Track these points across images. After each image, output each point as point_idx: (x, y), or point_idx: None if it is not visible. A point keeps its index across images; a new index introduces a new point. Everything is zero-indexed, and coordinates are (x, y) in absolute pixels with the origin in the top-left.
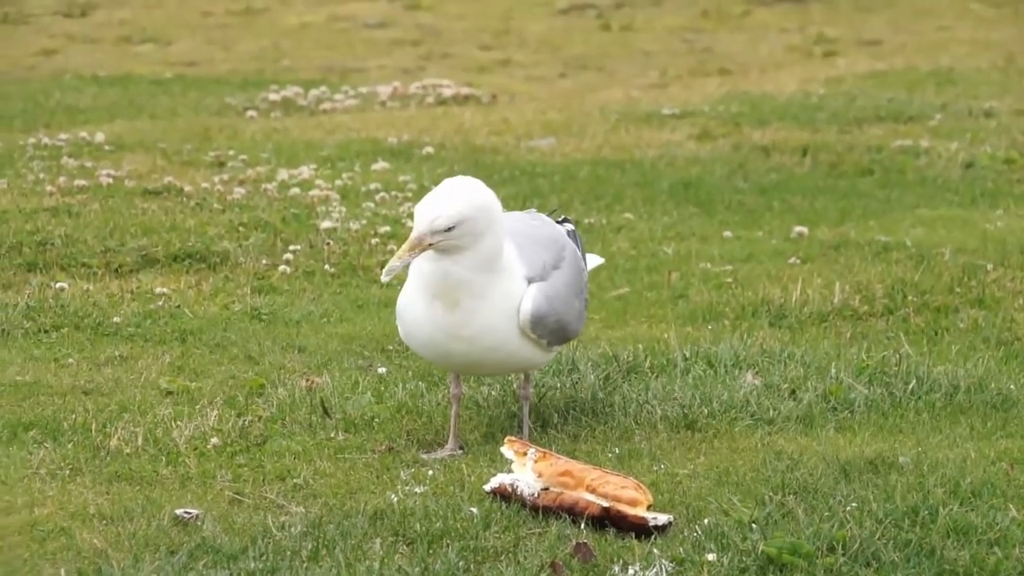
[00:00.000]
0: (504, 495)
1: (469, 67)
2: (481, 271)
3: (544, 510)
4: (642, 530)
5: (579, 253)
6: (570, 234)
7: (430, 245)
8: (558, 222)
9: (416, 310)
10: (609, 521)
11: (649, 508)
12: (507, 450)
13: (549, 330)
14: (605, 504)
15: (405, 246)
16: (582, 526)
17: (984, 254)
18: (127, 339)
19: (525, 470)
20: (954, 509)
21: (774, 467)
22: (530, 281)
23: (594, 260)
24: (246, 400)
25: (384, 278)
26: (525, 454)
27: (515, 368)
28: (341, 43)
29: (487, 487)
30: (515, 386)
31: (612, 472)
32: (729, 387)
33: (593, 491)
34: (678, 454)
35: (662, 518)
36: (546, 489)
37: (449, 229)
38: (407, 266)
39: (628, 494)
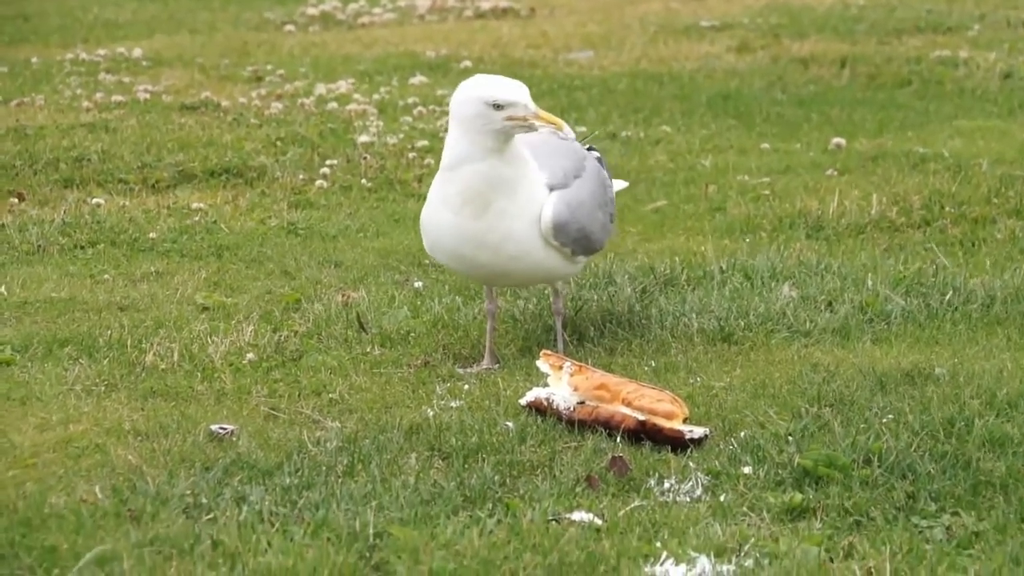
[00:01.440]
0: (539, 409)
1: None
2: (516, 165)
3: (580, 424)
4: (678, 443)
5: (604, 172)
6: (598, 160)
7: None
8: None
9: (442, 220)
10: (645, 434)
11: (685, 421)
12: (543, 364)
13: (572, 238)
14: (641, 417)
15: (547, 116)
16: (618, 440)
17: (1021, 165)
18: (163, 255)
19: (561, 384)
20: (990, 420)
21: (810, 379)
22: (552, 189)
23: (618, 184)
24: (282, 315)
25: (570, 134)
26: (561, 368)
27: (542, 278)
28: None
29: (522, 401)
30: (551, 300)
31: (648, 385)
32: (766, 299)
33: (629, 404)
34: (714, 367)
35: (698, 431)
36: (582, 403)
37: None
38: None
39: (664, 407)
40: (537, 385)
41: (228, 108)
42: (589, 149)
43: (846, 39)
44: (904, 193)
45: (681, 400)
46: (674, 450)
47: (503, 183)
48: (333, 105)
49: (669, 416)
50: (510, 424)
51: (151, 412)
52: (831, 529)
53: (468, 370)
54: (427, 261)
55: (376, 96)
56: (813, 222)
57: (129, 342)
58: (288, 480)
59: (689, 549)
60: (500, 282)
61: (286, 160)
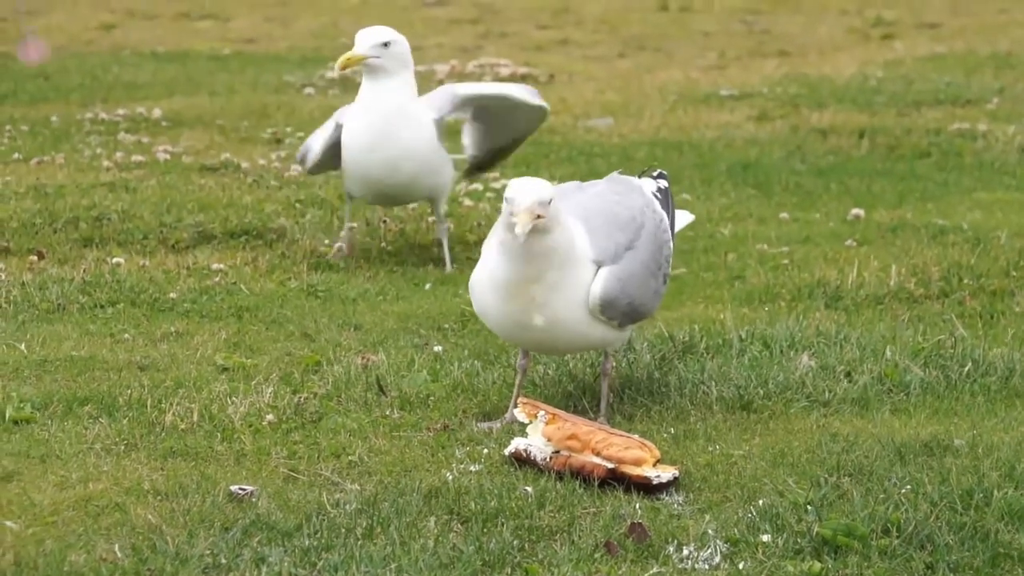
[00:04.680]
0: (520, 459)
1: (527, 46)
2: (565, 243)
3: (558, 473)
4: (649, 488)
5: (663, 224)
6: (662, 191)
7: (539, 217)
8: (653, 177)
9: (487, 299)
10: (616, 481)
11: (657, 463)
12: (519, 413)
13: (620, 312)
14: (610, 466)
15: (523, 217)
16: (636, 507)
17: None
18: (183, 315)
19: (536, 434)
20: (1009, 492)
21: (829, 449)
22: (599, 265)
23: (684, 217)
24: (302, 377)
25: (520, 233)
26: (536, 416)
27: (589, 347)
28: (400, 21)
29: (506, 451)
30: (601, 361)
31: (617, 432)
32: (785, 368)
33: (598, 454)
34: (733, 435)
35: (666, 475)
36: (557, 452)
37: (550, 202)
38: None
39: (632, 454)
40: (518, 435)
41: (248, 169)
42: (658, 176)
43: (865, 110)
44: (923, 264)
45: (651, 444)
46: (648, 494)
47: (553, 254)
48: None
49: (638, 462)
50: (529, 489)
51: (171, 472)
52: None
53: (488, 425)
54: (447, 325)
55: None
56: (832, 292)
57: (149, 402)
58: (307, 542)
59: None
60: (546, 352)
61: (305, 222)
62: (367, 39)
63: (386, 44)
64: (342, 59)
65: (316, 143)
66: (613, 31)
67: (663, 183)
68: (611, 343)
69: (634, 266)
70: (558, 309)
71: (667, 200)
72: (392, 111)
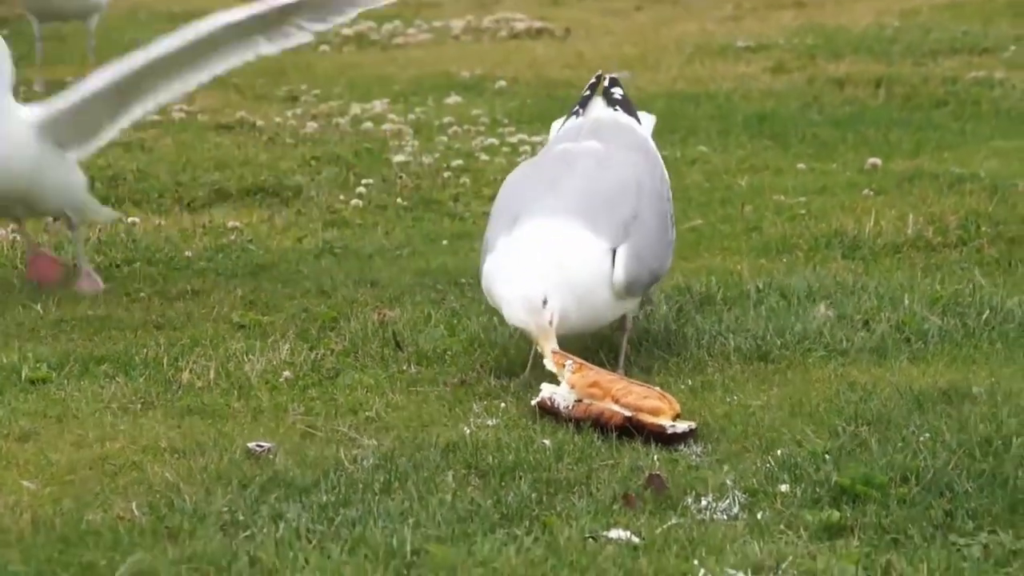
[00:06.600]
0: (545, 409)
1: (543, 1)
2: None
3: (578, 421)
4: (663, 438)
5: (654, 158)
6: (620, 102)
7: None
8: (606, 88)
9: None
10: (633, 429)
11: (677, 417)
12: (549, 363)
13: (644, 285)
14: (627, 413)
15: (543, 345)
16: (654, 458)
17: None
18: (199, 273)
19: (562, 382)
20: None
21: (847, 398)
22: (615, 249)
23: (648, 121)
24: (318, 334)
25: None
26: (564, 366)
27: (612, 320)
28: None
29: (533, 401)
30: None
31: (638, 383)
32: (802, 318)
33: (617, 401)
34: (751, 386)
35: (682, 426)
36: (579, 401)
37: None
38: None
39: (650, 403)
40: (550, 382)
41: (263, 128)
42: (610, 85)
43: (882, 60)
44: (940, 213)
45: (671, 397)
46: (666, 444)
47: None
48: (368, 125)
49: (655, 412)
50: (547, 442)
51: (187, 430)
52: (868, 547)
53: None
54: (464, 280)
55: (411, 116)
56: (849, 242)
57: (165, 360)
58: (325, 497)
59: (727, 567)
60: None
61: (321, 179)
62: None
63: None
64: None
65: None
66: None
67: (618, 91)
68: (633, 309)
69: (647, 234)
70: (585, 311)
71: (629, 108)
72: None
